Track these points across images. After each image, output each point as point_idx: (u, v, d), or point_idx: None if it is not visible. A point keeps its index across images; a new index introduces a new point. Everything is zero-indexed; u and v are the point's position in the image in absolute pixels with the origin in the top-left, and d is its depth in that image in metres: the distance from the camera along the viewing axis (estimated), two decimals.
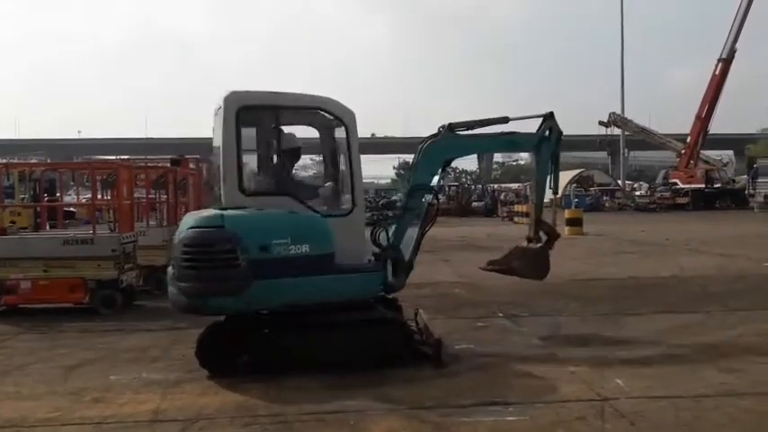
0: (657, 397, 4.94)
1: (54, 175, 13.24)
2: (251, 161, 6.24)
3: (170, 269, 5.84)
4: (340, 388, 5.23)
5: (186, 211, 11.62)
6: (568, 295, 9.36)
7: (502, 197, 41.55)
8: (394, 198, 36.43)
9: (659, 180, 47.92)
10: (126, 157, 25.28)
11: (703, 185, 40.26)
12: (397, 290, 6.23)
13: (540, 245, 7.18)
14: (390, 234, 6.15)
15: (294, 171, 6.48)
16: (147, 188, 11.36)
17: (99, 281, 8.71)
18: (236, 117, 5.71)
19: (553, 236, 7.31)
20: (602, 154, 66.61)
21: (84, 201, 14.00)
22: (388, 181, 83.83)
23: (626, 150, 52.78)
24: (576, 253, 14.42)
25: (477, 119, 6.97)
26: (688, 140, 42.42)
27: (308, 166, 7.53)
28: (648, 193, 45.49)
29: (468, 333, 7.23)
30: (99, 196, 10.97)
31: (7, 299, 8.81)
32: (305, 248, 5.51)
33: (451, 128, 6.69)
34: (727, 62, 39.84)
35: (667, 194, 41.52)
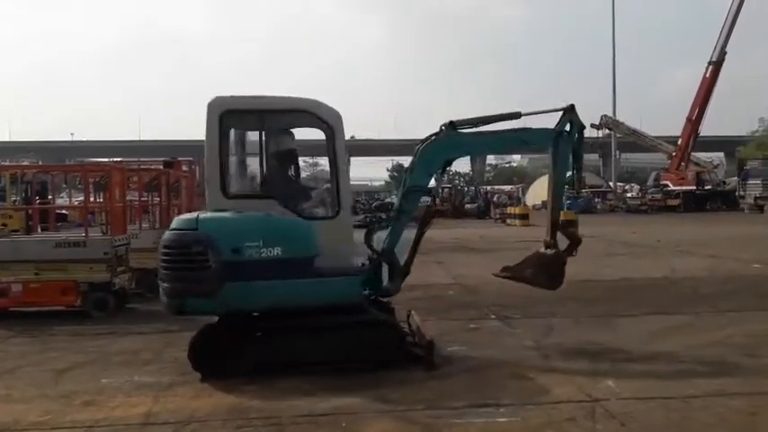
0: (647, 398, 4.98)
1: (46, 178, 13.17)
2: (242, 164, 6.28)
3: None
4: (333, 390, 5.24)
5: (179, 213, 11.62)
6: (561, 297, 9.36)
7: (495, 199, 41.67)
8: (388, 200, 36.48)
9: (650, 182, 48.14)
10: (119, 159, 25.13)
11: (694, 187, 40.51)
12: (393, 294, 6.19)
13: (554, 251, 6.55)
14: (385, 237, 6.09)
15: (287, 173, 6.47)
16: (139, 190, 11.33)
17: (91, 284, 8.68)
18: (218, 121, 5.81)
19: (575, 241, 6.74)
20: (594, 156, 67.02)
21: (76, 203, 13.91)
22: (382, 183, 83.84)
23: (617, 152, 53.03)
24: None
25: (482, 116, 6.48)
26: (679, 143, 42.66)
27: (302, 168, 7.54)
28: (640, 194, 45.69)
29: (460, 335, 7.26)
30: (91, 199, 10.94)
31: None
32: (277, 251, 5.52)
33: (454, 126, 6.33)
34: (717, 65, 40.12)
35: (658, 196, 41.75)
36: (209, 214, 5.76)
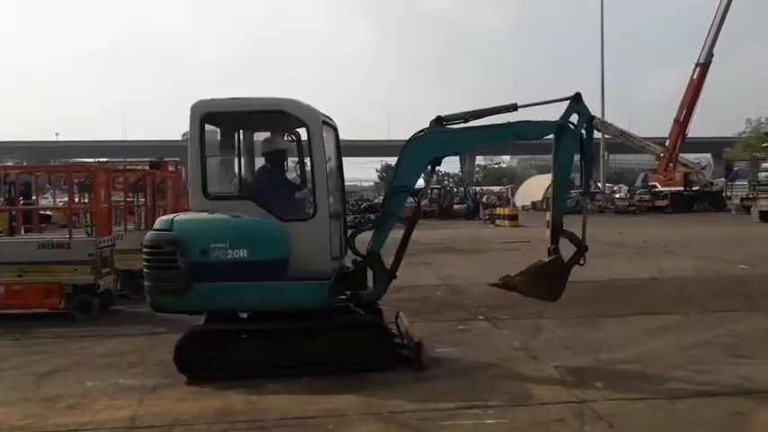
0: (635, 399, 4.99)
1: (30, 178, 13.01)
2: (223, 166, 6.27)
3: None
4: (321, 392, 5.21)
5: (164, 214, 11.51)
6: None
7: (484, 200, 41.72)
8: (376, 201, 36.44)
9: (639, 183, 48.42)
10: (104, 159, 24.95)
11: (682, 188, 40.79)
12: (376, 299, 6.11)
13: (551, 258, 6.05)
14: (370, 239, 5.97)
15: (267, 174, 6.40)
16: (125, 191, 11.22)
17: (75, 286, 8.58)
18: (200, 124, 5.87)
19: (581, 248, 6.10)
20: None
21: (60, 204, 13.76)
22: (371, 184, 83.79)
23: (606, 153, 53.30)
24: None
25: (474, 109, 6.04)
26: (667, 144, 42.95)
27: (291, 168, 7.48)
28: (628, 195, 45.92)
29: (448, 336, 7.24)
30: (76, 200, 10.82)
31: None
32: (243, 253, 5.53)
33: (441, 121, 6.01)
34: (704, 66, 40.45)
35: (646, 197, 41.98)
36: (183, 216, 5.90)
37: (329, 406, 4.92)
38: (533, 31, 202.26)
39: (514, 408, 4.83)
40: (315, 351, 5.71)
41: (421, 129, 6.03)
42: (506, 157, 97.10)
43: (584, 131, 6.12)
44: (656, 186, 42.59)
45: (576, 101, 6.01)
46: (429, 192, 45.82)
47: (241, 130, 6.44)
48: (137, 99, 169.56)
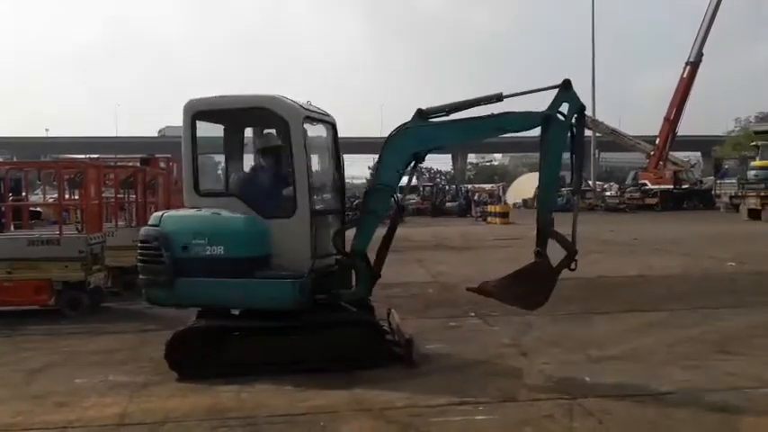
0: (624, 395, 5.03)
1: (20, 175, 12.92)
2: (215, 163, 6.28)
3: None
4: (312, 389, 5.21)
5: (155, 210, 11.46)
6: None
7: (476, 197, 41.83)
8: None
9: (629, 181, 48.75)
10: (95, 156, 24.83)
11: (672, 186, 41.07)
12: (358, 299, 6.01)
13: (532, 262, 5.60)
14: (353, 238, 5.83)
15: (255, 170, 6.40)
16: (115, 188, 11.16)
17: (65, 282, 8.53)
18: (191, 122, 5.94)
19: (571, 252, 5.58)
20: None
21: (50, 201, 13.67)
22: (363, 181, 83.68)
23: (596, 151, 53.56)
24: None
25: (456, 101, 5.74)
26: (657, 142, 43.23)
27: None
28: (618, 193, 46.19)
29: (439, 333, 7.27)
30: (66, 196, 10.76)
31: None
32: (219, 250, 5.58)
33: (422, 114, 5.78)
34: (694, 65, 40.72)
35: (637, 195, 42.26)
36: (171, 212, 6.08)
37: (320, 403, 4.93)
38: (526, 30, 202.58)
39: (504, 404, 4.86)
40: (306, 348, 5.71)
41: (403, 123, 5.81)
42: (498, 155, 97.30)
43: (574, 123, 5.60)
44: (646, 184, 42.87)
45: (565, 88, 5.51)
46: (421, 189, 46.03)
47: (229, 128, 6.48)
48: (128, 96, 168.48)
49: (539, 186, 5.78)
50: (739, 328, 7.25)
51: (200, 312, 6.02)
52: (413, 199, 42.62)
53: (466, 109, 5.76)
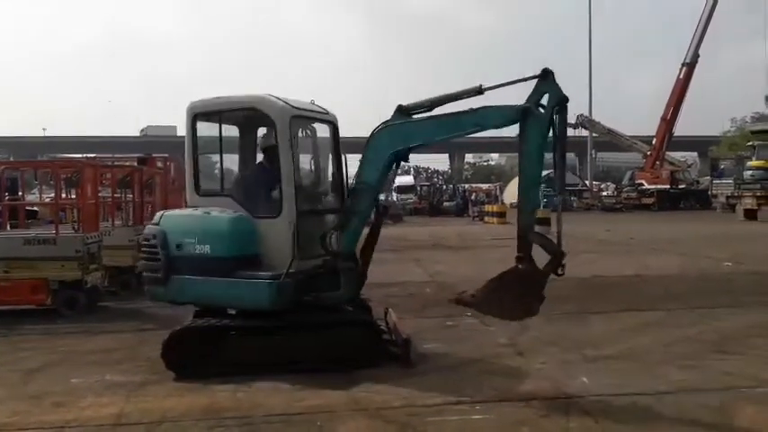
0: (620, 394, 5.04)
1: (16, 174, 12.89)
2: (214, 163, 6.29)
3: None
4: (309, 389, 5.22)
5: (152, 210, 11.45)
6: None
7: (473, 197, 41.87)
8: None
9: (626, 181, 48.79)
10: (92, 155, 24.77)
11: (668, 186, 41.14)
12: (342, 301, 5.93)
13: (509, 269, 5.19)
14: (338, 239, 5.77)
15: (250, 170, 6.45)
16: (112, 187, 11.14)
17: (62, 282, 8.52)
18: (192, 123, 6.07)
19: (556, 255, 5.11)
20: (570, 154, 67.62)
21: (47, 200, 13.64)
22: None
23: (593, 151, 53.64)
24: (543, 252, 14.57)
25: (436, 96, 5.54)
26: (654, 142, 43.30)
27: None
28: (615, 193, 46.29)
29: (437, 332, 7.28)
30: (63, 195, 10.73)
31: None
32: (206, 249, 5.70)
33: (403, 111, 5.62)
34: (690, 66, 40.79)
35: (633, 195, 42.35)
36: (173, 211, 6.32)
37: (317, 402, 4.93)
38: (526, 30, 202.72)
39: (501, 403, 4.87)
40: (303, 348, 5.71)
41: (385, 120, 5.69)
42: (495, 155, 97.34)
43: (556, 116, 5.09)
44: (642, 184, 42.95)
45: (544, 78, 5.08)
46: (419, 189, 46.03)
47: (225, 128, 6.42)
48: (125, 96, 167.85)
49: (518, 186, 5.32)
50: (736, 327, 7.27)
51: (197, 312, 6.04)
52: (410, 198, 42.79)
53: (447, 103, 5.56)
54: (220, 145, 6.13)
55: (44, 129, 78.02)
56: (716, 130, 63.21)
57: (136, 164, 12.10)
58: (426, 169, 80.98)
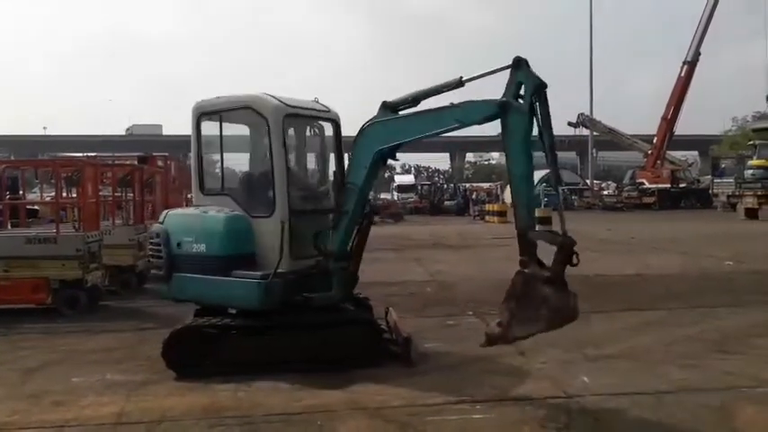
0: (621, 393, 5.04)
1: (17, 173, 12.89)
2: (217, 162, 6.30)
3: None
4: (309, 388, 5.21)
5: (153, 209, 11.47)
6: None
7: (473, 196, 41.85)
8: None
9: (626, 180, 48.76)
10: (93, 154, 24.79)
11: (669, 185, 41.12)
12: (333, 302, 5.88)
13: (524, 272, 4.76)
14: (329, 240, 5.74)
15: (249, 169, 6.47)
16: (113, 186, 11.15)
17: (62, 281, 8.52)
18: (197, 123, 6.16)
19: (566, 245, 4.70)
20: (571, 154, 67.66)
21: (47, 199, 13.65)
22: None
23: (594, 150, 53.62)
24: (543, 251, 14.57)
25: (419, 90, 5.42)
26: (654, 141, 43.27)
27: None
28: (616, 192, 46.27)
29: (437, 331, 7.26)
30: (63, 194, 10.73)
31: None
32: (203, 248, 5.78)
33: (387, 107, 5.55)
34: (691, 65, 40.76)
35: (634, 194, 42.33)
36: (176, 210, 6.45)
37: (317, 402, 4.93)
38: (527, 30, 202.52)
39: (501, 403, 4.87)
40: (304, 347, 5.71)
41: (373, 116, 5.62)
42: (496, 154, 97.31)
43: (536, 103, 4.76)
44: (643, 183, 42.93)
45: (517, 68, 4.78)
46: (420, 188, 46.01)
47: (237, 127, 6.49)
48: (126, 95, 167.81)
49: (510, 184, 5.02)
50: (737, 327, 7.26)
51: (198, 311, 6.04)
52: (411, 198, 42.80)
53: (429, 97, 5.41)
54: (221, 144, 6.13)
55: (45, 128, 78.13)
56: (717, 129, 63.27)
57: (136, 162, 12.10)
58: (427, 168, 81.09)
